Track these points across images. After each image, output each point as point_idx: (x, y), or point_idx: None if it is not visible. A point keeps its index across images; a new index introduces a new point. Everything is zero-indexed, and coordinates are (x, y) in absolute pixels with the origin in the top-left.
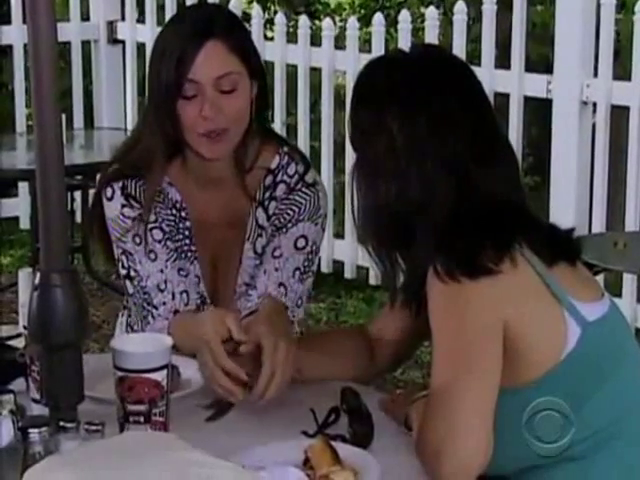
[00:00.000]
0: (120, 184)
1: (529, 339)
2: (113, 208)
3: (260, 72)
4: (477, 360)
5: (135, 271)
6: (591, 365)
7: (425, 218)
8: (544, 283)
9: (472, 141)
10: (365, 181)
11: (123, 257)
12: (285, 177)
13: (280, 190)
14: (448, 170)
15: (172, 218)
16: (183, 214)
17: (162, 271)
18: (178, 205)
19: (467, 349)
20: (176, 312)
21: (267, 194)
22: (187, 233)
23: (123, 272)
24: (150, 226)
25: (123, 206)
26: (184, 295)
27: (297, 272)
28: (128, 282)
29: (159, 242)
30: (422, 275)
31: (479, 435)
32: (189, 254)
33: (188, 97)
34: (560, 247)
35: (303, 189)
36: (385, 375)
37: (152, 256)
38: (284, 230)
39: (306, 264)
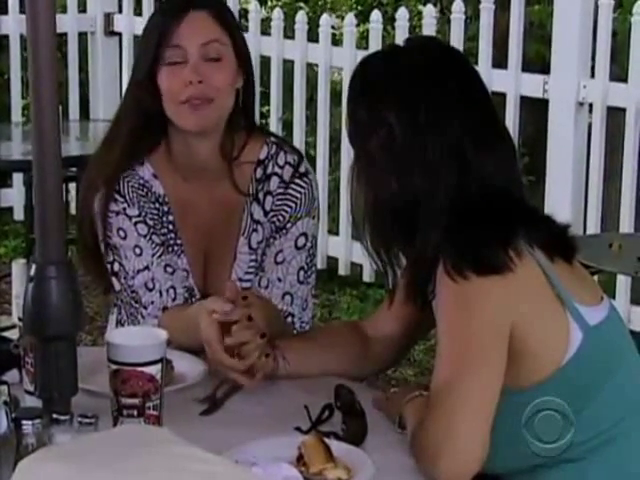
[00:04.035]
0: (103, 179)
1: (534, 342)
2: (98, 203)
3: (247, 60)
4: (482, 360)
5: (121, 265)
6: (592, 369)
7: (429, 209)
8: (550, 284)
9: (471, 127)
10: (367, 177)
11: (109, 252)
12: (276, 168)
13: (274, 184)
14: (449, 157)
15: (155, 212)
16: (165, 208)
17: (148, 268)
18: (161, 199)
19: (473, 348)
20: (165, 309)
21: (260, 187)
22: (171, 227)
23: (109, 267)
24: (134, 220)
25: (107, 200)
26: (171, 291)
27: (301, 272)
28: (115, 279)
29: (144, 237)
30: (427, 269)
31: (478, 436)
32: (175, 247)
33: (172, 63)
34: (557, 241)
35: (297, 180)
36: (381, 373)
37: (137, 251)
38: (284, 231)
39: (308, 260)
